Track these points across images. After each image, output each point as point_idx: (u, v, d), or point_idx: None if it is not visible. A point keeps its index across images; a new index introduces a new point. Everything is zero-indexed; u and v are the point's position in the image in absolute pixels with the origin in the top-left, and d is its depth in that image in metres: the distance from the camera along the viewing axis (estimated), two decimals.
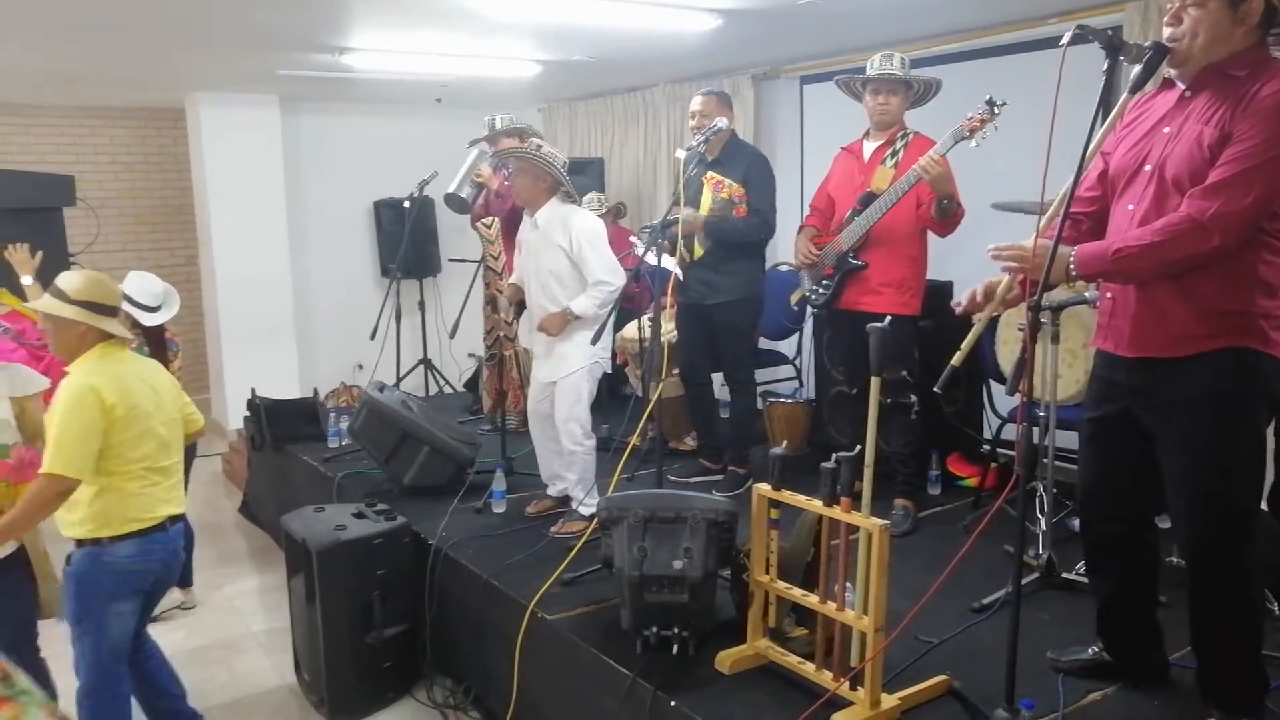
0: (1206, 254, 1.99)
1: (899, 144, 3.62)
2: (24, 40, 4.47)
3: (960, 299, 2.34)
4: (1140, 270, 2.08)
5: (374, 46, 4.86)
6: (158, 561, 2.74)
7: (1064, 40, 2.02)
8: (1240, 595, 2.17)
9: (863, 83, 3.66)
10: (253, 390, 5.31)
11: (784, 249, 5.75)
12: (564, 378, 3.59)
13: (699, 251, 4.04)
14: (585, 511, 3.57)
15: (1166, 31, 2.07)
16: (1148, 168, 2.14)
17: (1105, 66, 2.07)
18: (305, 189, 7.08)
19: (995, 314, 2.29)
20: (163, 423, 2.74)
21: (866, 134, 3.77)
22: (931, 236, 3.63)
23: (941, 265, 3.88)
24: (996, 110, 3.24)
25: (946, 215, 3.42)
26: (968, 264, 3.84)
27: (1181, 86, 2.13)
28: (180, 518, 2.84)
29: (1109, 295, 2.25)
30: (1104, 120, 2.16)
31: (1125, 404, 2.22)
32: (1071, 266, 2.11)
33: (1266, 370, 2.06)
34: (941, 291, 4.17)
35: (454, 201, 5.05)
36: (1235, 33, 2.01)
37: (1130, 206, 2.16)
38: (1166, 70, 2.15)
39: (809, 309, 4.38)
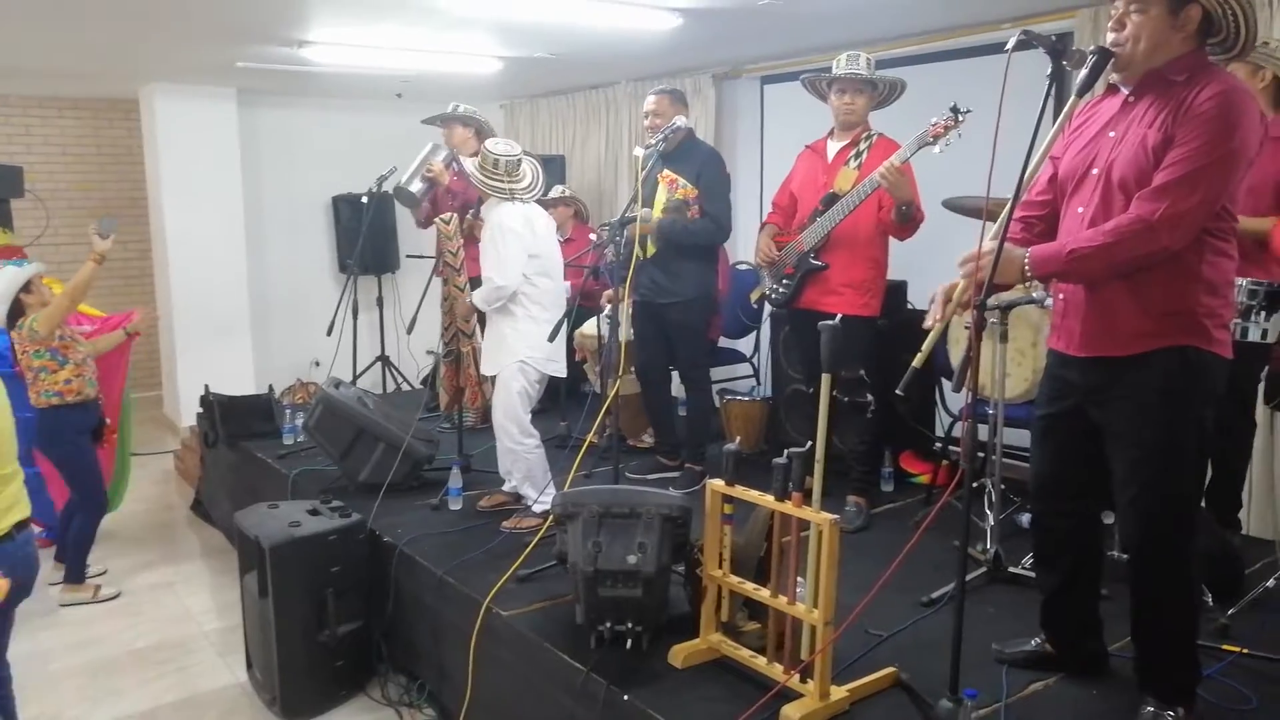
0: (1156, 253, 2.05)
1: (863, 145, 3.65)
2: None
3: (930, 316, 2.35)
4: (1093, 270, 2.14)
5: (334, 40, 4.83)
6: (7, 572, 2.51)
7: (1009, 46, 2.07)
8: (1180, 586, 2.23)
9: (828, 82, 3.68)
10: (206, 387, 5.25)
11: (743, 247, 5.81)
12: (497, 375, 3.64)
13: (651, 250, 4.06)
14: (537, 509, 3.58)
15: (1110, 36, 2.13)
16: (1095, 171, 2.20)
17: (1049, 71, 2.13)
18: (262, 183, 6.99)
19: (953, 315, 2.33)
20: (3, 429, 2.55)
21: (831, 133, 3.79)
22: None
23: (895, 265, 3.93)
24: (961, 117, 3.24)
25: (906, 220, 3.46)
26: (921, 264, 3.91)
27: (1125, 92, 2.19)
28: (27, 523, 2.62)
29: (1061, 296, 2.31)
30: (1051, 124, 2.21)
31: (1077, 401, 2.28)
32: (1026, 267, 2.16)
33: (1210, 367, 2.13)
34: (896, 291, 4.23)
35: (404, 195, 5.04)
36: (1174, 39, 2.08)
37: (1080, 209, 2.22)
38: (1111, 76, 2.21)
39: (767, 308, 4.42)
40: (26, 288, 4.05)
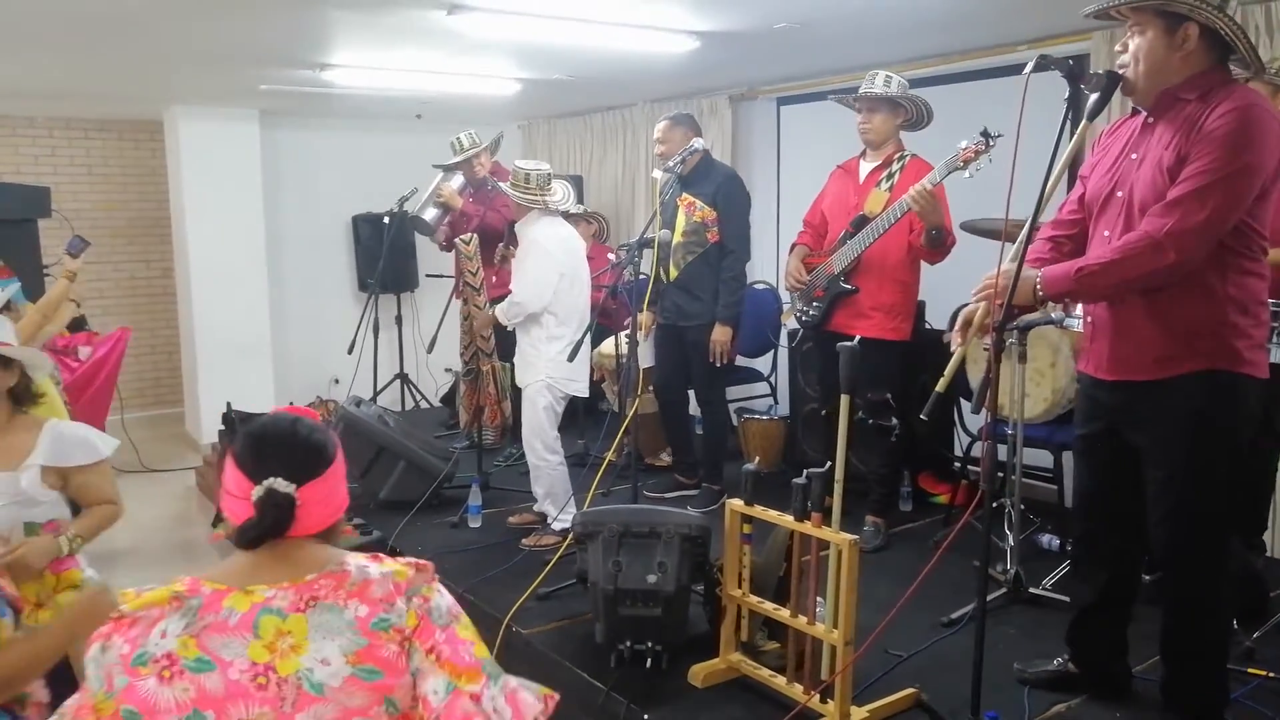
0: (1164, 270, 2.04)
1: (895, 166, 3.62)
2: (2, 50, 4.46)
3: (949, 336, 2.38)
4: (1102, 288, 2.14)
5: (355, 63, 4.89)
6: None
7: (1026, 69, 2.08)
8: (1208, 609, 2.21)
9: (853, 100, 3.69)
10: (228, 404, 5.29)
11: (760, 267, 5.82)
12: (525, 389, 3.67)
13: (674, 273, 4.08)
14: (557, 527, 3.60)
15: (1118, 60, 2.15)
16: (1119, 194, 2.19)
17: (1067, 95, 2.15)
18: (283, 203, 7.07)
19: (974, 339, 2.33)
20: None
21: (864, 153, 3.77)
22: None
23: None
24: (992, 142, 3.21)
25: (936, 245, 3.44)
26: (939, 285, 3.91)
27: (1144, 113, 2.20)
28: None
29: (1089, 319, 2.31)
30: (1067, 145, 2.22)
31: (1109, 422, 2.28)
32: (1038, 287, 2.16)
33: (1244, 390, 2.10)
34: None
35: (419, 224, 5.10)
36: (1173, 59, 2.07)
37: (1106, 233, 2.21)
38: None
39: (785, 328, 4.41)
40: (7, 306, 4.17)
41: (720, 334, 4.00)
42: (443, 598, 1.38)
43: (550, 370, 3.60)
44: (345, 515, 1.53)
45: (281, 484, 1.34)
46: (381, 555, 1.43)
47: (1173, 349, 2.11)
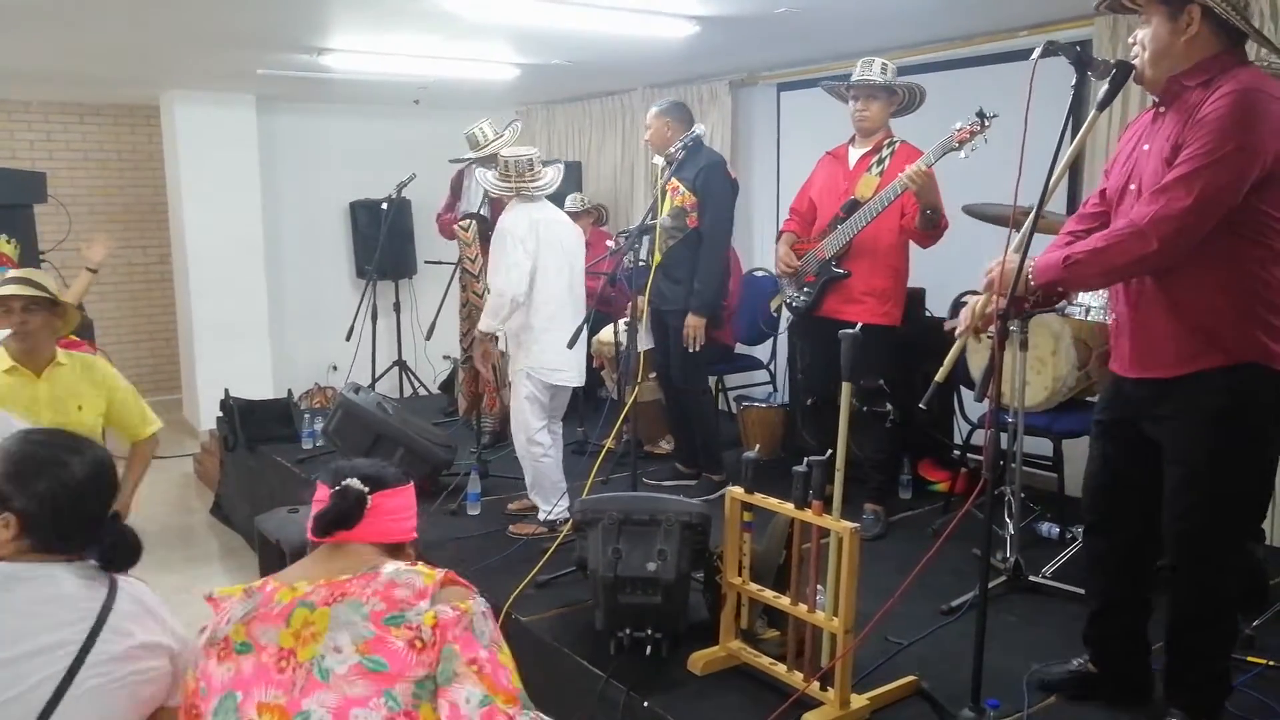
0: (1148, 258, 2.00)
1: (885, 152, 3.60)
2: None
3: (951, 324, 2.36)
4: (1088, 276, 2.12)
5: (352, 47, 4.86)
6: None
7: (1034, 55, 2.06)
8: (1217, 606, 2.18)
9: (846, 88, 3.67)
10: (226, 391, 5.28)
11: (759, 254, 5.81)
12: (512, 378, 3.66)
13: (657, 258, 4.04)
14: (541, 517, 3.61)
15: (1131, 51, 2.12)
16: (1132, 186, 2.16)
17: (1074, 81, 2.12)
18: (281, 189, 7.04)
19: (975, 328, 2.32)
20: None
21: (852, 140, 3.75)
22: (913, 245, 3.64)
23: (913, 273, 3.91)
24: (987, 122, 3.18)
25: (931, 226, 3.42)
26: (939, 272, 3.90)
27: (1157, 103, 2.17)
28: None
29: (1114, 317, 2.28)
30: (1073, 135, 2.21)
31: (1131, 413, 2.24)
32: (1029, 275, 2.14)
33: (1273, 386, 2.04)
34: (914, 299, 4.21)
35: (483, 222, 5.02)
36: (1177, 43, 2.03)
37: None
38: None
39: (786, 315, 4.38)
40: None
41: (692, 321, 3.94)
42: (486, 622, 1.50)
43: (525, 360, 3.57)
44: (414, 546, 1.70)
45: (356, 483, 1.59)
46: (421, 563, 1.56)
47: (1193, 344, 2.06)
